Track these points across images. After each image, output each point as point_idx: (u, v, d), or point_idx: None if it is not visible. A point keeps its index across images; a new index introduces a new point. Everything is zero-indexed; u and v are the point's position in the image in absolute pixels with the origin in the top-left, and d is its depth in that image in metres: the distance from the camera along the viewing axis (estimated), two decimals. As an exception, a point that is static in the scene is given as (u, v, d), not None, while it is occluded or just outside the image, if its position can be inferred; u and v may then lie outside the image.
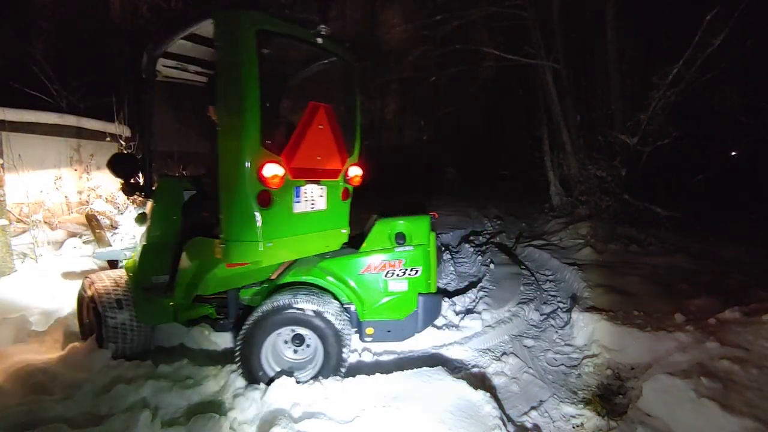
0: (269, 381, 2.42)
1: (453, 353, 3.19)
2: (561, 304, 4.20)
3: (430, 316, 2.85)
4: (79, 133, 7.04)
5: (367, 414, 2.15)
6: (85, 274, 3.47)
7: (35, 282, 4.04)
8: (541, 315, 3.96)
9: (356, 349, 3.14)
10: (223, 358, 3.03)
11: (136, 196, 4.42)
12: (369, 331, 2.74)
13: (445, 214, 10.19)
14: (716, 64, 6.70)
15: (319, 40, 2.43)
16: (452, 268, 5.38)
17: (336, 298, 2.73)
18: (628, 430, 2.24)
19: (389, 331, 2.76)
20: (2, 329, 3.10)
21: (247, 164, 2.13)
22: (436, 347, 3.26)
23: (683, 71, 6.26)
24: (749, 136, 7.84)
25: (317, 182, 2.48)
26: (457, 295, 4.26)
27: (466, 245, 6.69)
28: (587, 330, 3.41)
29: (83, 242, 5.37)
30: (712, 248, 5.55)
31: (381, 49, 14.91)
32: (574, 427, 2.43)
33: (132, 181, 3.03)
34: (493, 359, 3.12)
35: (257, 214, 2.18)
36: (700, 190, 6.95)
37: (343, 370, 2.56)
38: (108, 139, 7.14)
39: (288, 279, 2.77)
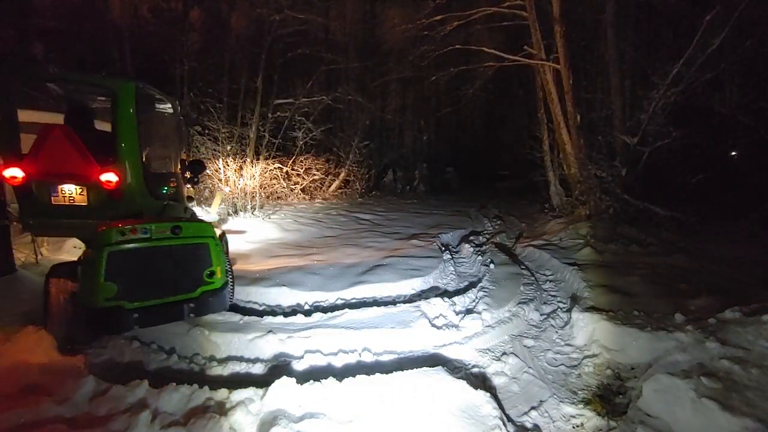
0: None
1: (453, 353, 3.19)
2: (561, 304, 4.19)
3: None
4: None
5: (367, 414, 2.16)
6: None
7: (35, 282, 4.03)
8: (541, 315, 3.96)
9: (356, 348, 3.14)
10: (222, 358, 3.04)
11: None
12: None
13: (445, 214, 10.21)
14: (716, 64, 6.70)
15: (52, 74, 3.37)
16: (452, 268, 5.38)
17: None
18: (628, 430, 2.25)
19: None
20: (3, 329, 3.09)
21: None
22: (436, 347, 3.26)
23: (683, 71, 6.26)
24: (749, 136, 7.83)
25: (75, 183, 3.15)
26: (457, 295, 4.26)
27: (466, 245, 6.69)
28: (587, 330, 3.41)
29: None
30: (712, 248, 5.55)
31: (381, 49, 14.91)
32: (574, 427, 2.43)
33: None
34: (493, 359, 3.12)
35: (22, 201, 3.14)
36: (700, 190, 6.94)
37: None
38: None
39: None
